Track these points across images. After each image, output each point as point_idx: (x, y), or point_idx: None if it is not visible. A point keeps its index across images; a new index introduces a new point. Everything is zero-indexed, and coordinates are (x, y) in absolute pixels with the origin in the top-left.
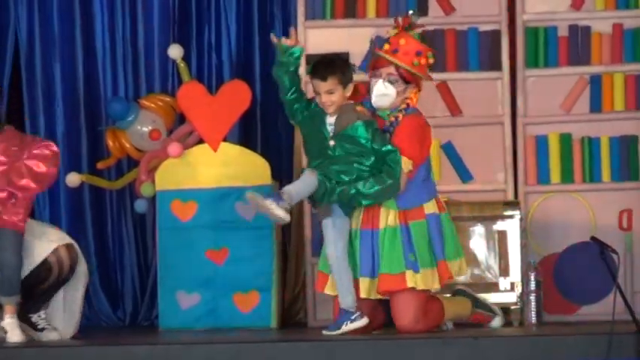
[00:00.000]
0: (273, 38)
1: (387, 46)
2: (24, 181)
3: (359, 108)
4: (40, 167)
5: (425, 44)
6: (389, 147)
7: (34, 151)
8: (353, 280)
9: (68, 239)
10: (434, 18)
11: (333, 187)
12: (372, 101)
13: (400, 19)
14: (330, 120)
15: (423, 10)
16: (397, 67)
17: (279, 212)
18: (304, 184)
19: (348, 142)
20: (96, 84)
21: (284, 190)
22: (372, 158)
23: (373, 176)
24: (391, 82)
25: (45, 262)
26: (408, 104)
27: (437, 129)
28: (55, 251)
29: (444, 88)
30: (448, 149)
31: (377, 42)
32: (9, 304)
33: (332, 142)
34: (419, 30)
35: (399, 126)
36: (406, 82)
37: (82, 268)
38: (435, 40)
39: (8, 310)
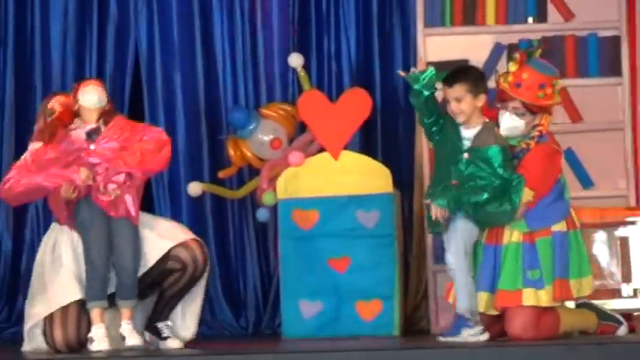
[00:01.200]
0: (401, 73)
1: (510, 79)
2: (137, 162)
3: (497, 129)
4: (152, 149)
5: (547, 73)
6: (515, 176)
7: (146, 137)
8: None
9: (192, 234)
10: (553, 24)
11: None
12: (502, 134)
13: (519, 55)
14: (467, 134)
15: (542, 16)
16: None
17: (475, 333)
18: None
19: (481, 161)
20: (216, 93)
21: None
22: (498, 182)
23: (495, 197)
24: (518, 115)
25: (177, 262)
26: (540, 131)
27: (557, 136)
28: (189, 249)
29: (564, 95)
30: (569, 156)
31: (497, 50)
32: (126, 308)
33: (466, 155)
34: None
35: (529, 154)
36: (533, 112)
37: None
38: (554, 47)
39: (125, 315)
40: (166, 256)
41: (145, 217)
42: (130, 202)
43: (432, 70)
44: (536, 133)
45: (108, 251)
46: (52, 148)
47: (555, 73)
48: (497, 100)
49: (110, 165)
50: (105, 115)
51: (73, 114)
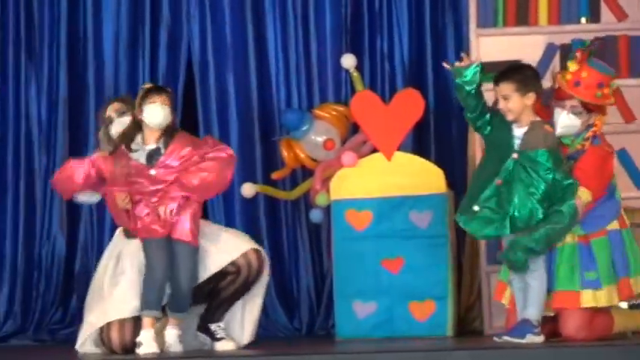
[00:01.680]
0: (446, 65)
1: (569, 77)
2: (195, 187)
3: (547, 127)
4: (214, 172)
5: (605, 73)
6: (570, 180)
7: (209, 155)
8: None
9: (253, 244)
10: (606, 24)
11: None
12: (557, 132)
13: (580, 54)
14: (518, 132)
15: (595, 16)
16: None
17: (536, 336)
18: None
19: (529, 165)
20: (269, 94)
21: (525, 314)
22: (543, 186)
23: (548, 207)
24: (575, 114)
25: (232, 265)
26: (595, 132)
27: (610, 136)
28: (244, 255)
29: (617, 95)
30: (622, 156)
31: (549, 51)
32: (175, 319)
33: (515, 155)
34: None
35: (585, 156)
36: (589, 110)
37: (266, 274)
38: (607, 47)
39: (172, 321)
40: None
41: (209, 228)
42: (186, 226)
43: (475, 65)
44: (590, 134)
45: (168, 265)
46: (111, 163)
47: (612, 74)
48: (555, 98)
49: (170, 190)
50: (165, 135)
51: (137, 126)
